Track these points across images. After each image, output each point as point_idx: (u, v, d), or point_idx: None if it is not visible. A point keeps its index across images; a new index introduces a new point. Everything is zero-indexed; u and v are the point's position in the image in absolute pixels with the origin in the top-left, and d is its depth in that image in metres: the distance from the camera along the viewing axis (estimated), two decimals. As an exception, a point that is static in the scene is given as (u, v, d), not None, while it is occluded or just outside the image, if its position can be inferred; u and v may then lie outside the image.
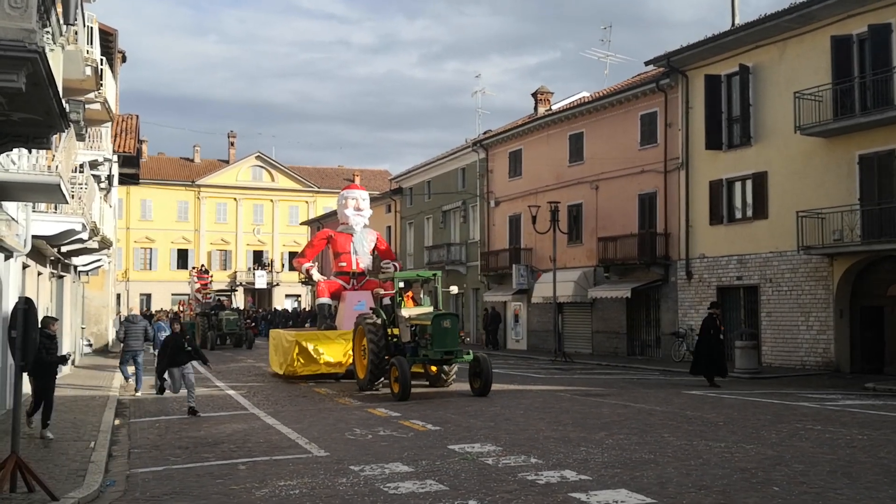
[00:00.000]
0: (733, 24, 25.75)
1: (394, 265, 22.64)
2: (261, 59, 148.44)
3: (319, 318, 22.19)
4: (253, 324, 41.40)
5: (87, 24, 17.50)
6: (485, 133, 39.48)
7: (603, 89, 33.58)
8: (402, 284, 17.94)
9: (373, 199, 47.00)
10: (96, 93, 18.77)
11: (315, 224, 61.66)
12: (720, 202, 24.44)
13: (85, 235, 18.29)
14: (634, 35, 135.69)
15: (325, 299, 21.81)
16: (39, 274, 18.62)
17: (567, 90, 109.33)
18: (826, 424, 11.92)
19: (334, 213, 57.33)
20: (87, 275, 30.09)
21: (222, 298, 39.96)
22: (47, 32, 11.50)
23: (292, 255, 70.73)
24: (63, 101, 9.97)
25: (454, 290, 20.36)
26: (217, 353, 30.31)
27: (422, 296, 19.99)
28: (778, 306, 22.45)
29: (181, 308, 45.97)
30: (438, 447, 10.25)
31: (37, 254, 17.62)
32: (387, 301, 19.50)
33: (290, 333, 20.53)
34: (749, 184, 23.62)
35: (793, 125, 21.32)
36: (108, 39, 23.41)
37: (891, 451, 9.72)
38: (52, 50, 11.59)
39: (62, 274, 23.07)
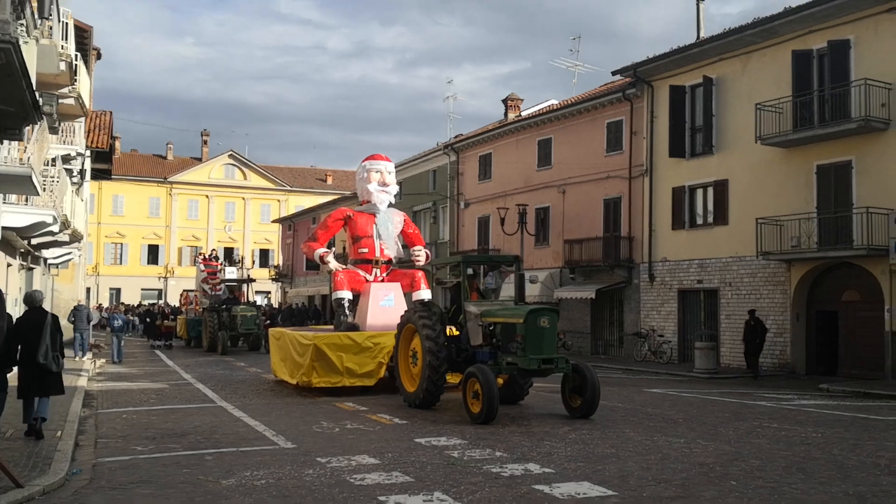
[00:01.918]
0: (698, 37, 26.34)
1: (425, 252, 19.53)
2: (237, 61, 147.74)
3: (337, 317, 18.14)
4: (268, 321, 34.69)
5: (62, 19, 17.41)
6: (456, 137, 39.73)
7: (571, 97, 34.12)
8: (470, 271, 14.35)
9: (345, 200, 47.03)
10: (70, 88, 18.61)
11: (287, 222, 61.28)
12: (682, 208, 24.97)
13: (56, 228, 18.21)
14: (603, 48, 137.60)
15: (344, 292, 17.80)
16: (9, 265, 18.47)
17: (537, 98, 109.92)
18: (782, 423, 12.18)
19: (306, 211, 57.95)
20: (58, 268, 29.78)
21: (236, 291, 34.00)
22: (21, 24, 11.58)
23: (263, 252, 70.45)
24: (36, 94, 10.03)
25: (537, 278, 16.42)
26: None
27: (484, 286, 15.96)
28: (737, 309, 22.95)
29: (184, 302, 38.60)
30: (405, 440, 10.34)
31: (6, 245, 17.48)
32: (420, 295, 17.56)
33: (304, 335, 16.67)
34: (710, 191, 24.14)
35: (754, 135, 21.81)
36: (83, 36, 23.26)
37: (843, 448, 9.92)
38: (25, 42, 11.64)
39: (32, 266, 22.83)
